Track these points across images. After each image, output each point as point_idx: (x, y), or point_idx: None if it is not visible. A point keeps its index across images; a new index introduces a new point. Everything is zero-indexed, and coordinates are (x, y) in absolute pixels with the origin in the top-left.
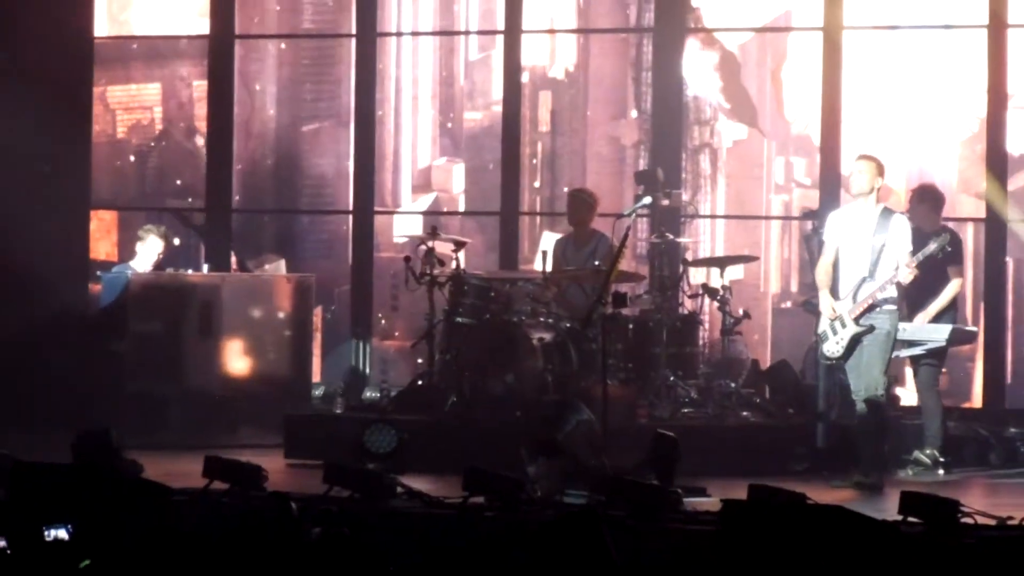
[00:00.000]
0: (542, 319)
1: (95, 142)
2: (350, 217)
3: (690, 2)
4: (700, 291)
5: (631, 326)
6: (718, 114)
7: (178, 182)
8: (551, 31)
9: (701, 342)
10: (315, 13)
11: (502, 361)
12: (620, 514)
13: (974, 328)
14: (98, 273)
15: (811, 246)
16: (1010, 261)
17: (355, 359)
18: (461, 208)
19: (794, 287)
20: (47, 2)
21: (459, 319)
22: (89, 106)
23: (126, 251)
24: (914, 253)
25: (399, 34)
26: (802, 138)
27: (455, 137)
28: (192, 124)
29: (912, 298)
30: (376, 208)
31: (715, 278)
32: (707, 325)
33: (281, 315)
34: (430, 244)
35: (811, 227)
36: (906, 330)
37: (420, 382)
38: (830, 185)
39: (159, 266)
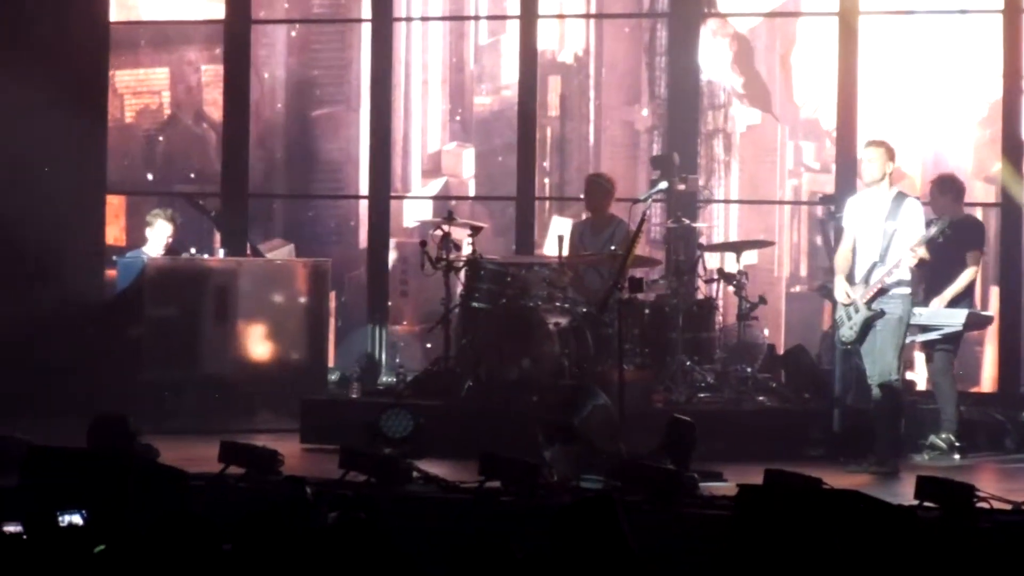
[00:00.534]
0: (558, 304)
1: None
2: (360, 203)
3: None
4: (716, 276)
5: (647, 311)
6: (732, 99)
7: (191, 175)
8: (567, 16)
9: (717, 327)
10: None
11: (518, 346)
12: (636, 499)
13: (990, 313)
14: (114, 258)
15: (826, 231)
16: None
17: (371, 345)
18: (471, 193)
19: (803, 271)
20: None
21: (475, 304)
22: (105, 91)
23: (133, 236)
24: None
25: (415, 19)
26: (811, 122)
27: (465, 122)
28: (200, 109)
29: (929, 283)
30: (389, 193)
31: (729, 263)
32: (722, 310)
33: (297, 300)
34: (446, 229)
35: (827, 212)
36: (921, 315)
37: (436, 367)
38: (846, 170)
39: (171, 249)
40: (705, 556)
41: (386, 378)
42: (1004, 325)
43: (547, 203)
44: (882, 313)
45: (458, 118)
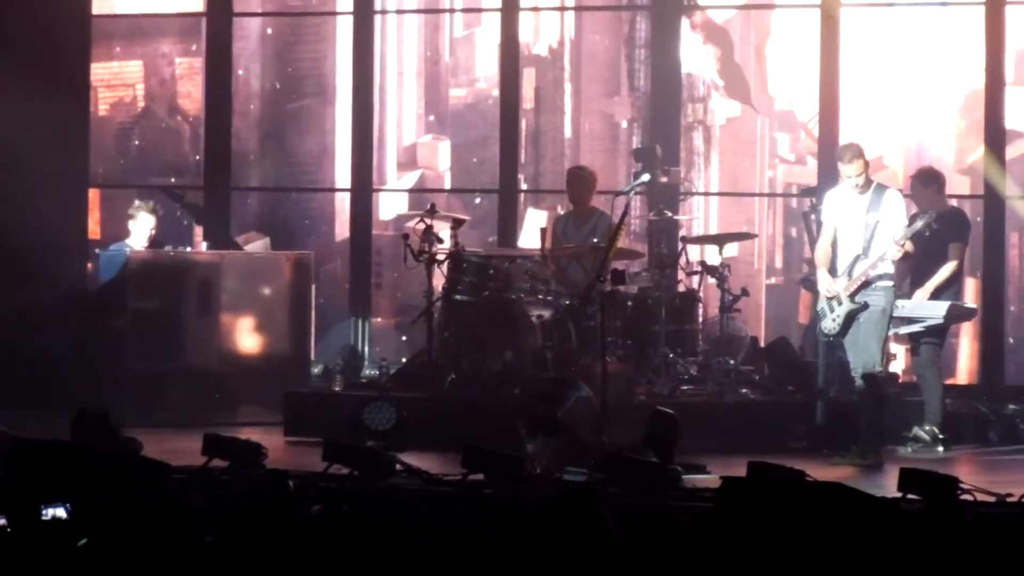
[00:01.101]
0: (541, 296)
1: None
2: (335, 196)
3: None
4: (699, 268)
5: (630, 303)
6: (711, 91)
7: (166, 167)
8: (548, 8)
9: (700, 319)
10: None
11: (501, 338)
12: (619, 491)
13: (973, 305)
14: (96, 252)
15: (808, 223)
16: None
17: (354, 337)
18: (447, 185)
19: (779, 263)
20: None
21: (458, 296)
22: (87, 84)
23: (107, 229)
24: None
25: (396, 12)
26: (786, 114)
27: (440, 114)
28: (174, 102)
29: (913, 275)
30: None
31: (709, 255)
32: (704, 302)
33: (280, 293)
34: (429, 222)
35: (810, 205)
36: (904, 307)
37: (419, 360)
38: (828, 162)
39: (154, 241)
40: (689, 548)
41: (369, 371)
42: (987, 317)
43: (521, 196)
44: (866, 306)
45: (432, 118)
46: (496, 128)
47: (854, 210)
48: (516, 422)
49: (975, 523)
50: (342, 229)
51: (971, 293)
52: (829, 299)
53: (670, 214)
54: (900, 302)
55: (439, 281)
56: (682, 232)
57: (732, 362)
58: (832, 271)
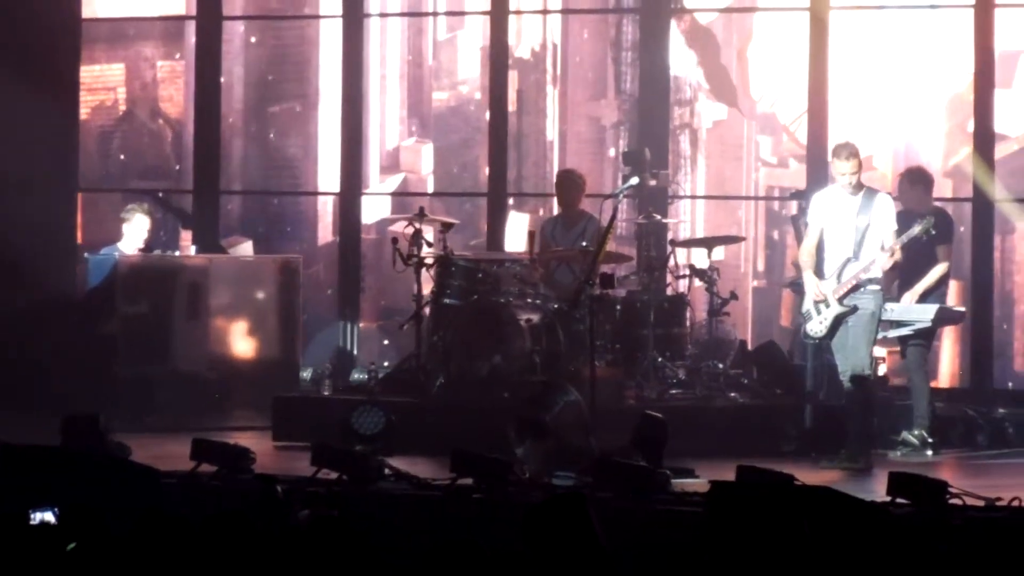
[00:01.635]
0: (530, 300)
1: None
2: (318, 199)
3: None
4: (687, 272)
5: (619, 307)
6: (698, 94)
7: (148, 171)
8: (535, 11)
9: (688, 323)
10: None
11: (489, 342)
12: (608, 495)
13: (961, 308)
14: (85, 255)
15: (798, 227)
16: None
17: (343, 340)
18: (429, 189)
19: (761, 266)
20: None
21: (446, 300)
22: (76, 87)
23: (90, 232)
24: (900, 235)
25: (385, 15)
26: (768, 117)
27: (423, 117)
28: (156, 105)
29: (902, 278)
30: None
31: (696, 258)
32: (692, 306)
33: (269, 297)
34: (417, 225)
35: (799, 208)
36: (892, 310)
37: (407, 364)
38: (817, 165)
39: (149, 244)
40: (677, 552)
41: (358, 375)
42: (976, 321)
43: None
44: (855, 309)
45: (414, 127)
46: (478, 131)
47: (844, 212)
48: (505, 426)
49: (964, 527)
50: (324, 233)
51: (954, 296)
52: (817, 302)
53: (659, 217)
54: (889, 305)
55: (427, 285)
56: (670, 235)
57: (721, 366)
58: (819, 273)
